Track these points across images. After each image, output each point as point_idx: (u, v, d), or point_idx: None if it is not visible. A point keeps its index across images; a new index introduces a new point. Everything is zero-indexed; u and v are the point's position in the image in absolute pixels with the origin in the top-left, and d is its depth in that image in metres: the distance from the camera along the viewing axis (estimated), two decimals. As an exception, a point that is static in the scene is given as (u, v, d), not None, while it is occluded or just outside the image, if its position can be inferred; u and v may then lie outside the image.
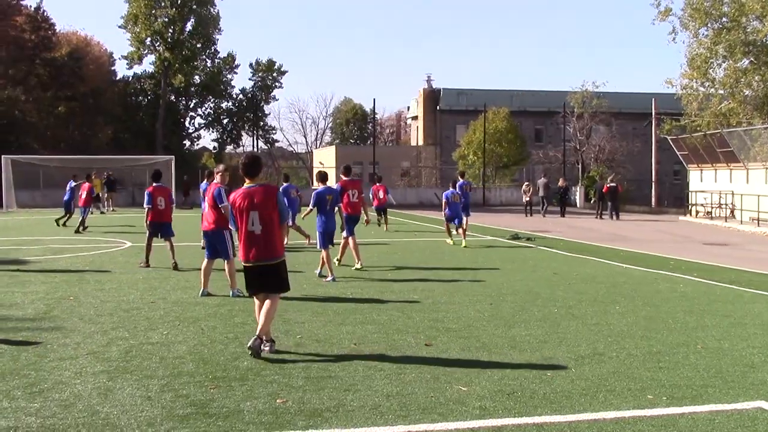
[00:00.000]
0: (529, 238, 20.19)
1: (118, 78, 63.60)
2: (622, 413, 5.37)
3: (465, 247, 17.82)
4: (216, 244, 10.70)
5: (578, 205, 44.26)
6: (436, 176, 57.35)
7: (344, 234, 13.41)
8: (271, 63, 68.91)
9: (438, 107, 64.87)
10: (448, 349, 7.26)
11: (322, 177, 12.91)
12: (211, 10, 59.93)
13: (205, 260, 10.68)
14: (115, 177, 39.06)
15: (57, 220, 24.31)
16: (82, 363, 6.68)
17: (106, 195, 36.58)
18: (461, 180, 21.90)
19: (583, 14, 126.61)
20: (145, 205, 13.75)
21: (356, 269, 13.16)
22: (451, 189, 19.18)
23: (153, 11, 57.20)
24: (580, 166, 49.85)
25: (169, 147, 56.35)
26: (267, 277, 7.22)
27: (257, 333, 6.94)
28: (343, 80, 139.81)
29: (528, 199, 33.98)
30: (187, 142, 68.54)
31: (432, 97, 65.68)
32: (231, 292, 10.41)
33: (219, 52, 64.60)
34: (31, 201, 39.04)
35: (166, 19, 57.86)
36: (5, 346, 7.35)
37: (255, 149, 51.98)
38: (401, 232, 22.61)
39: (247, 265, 7.21)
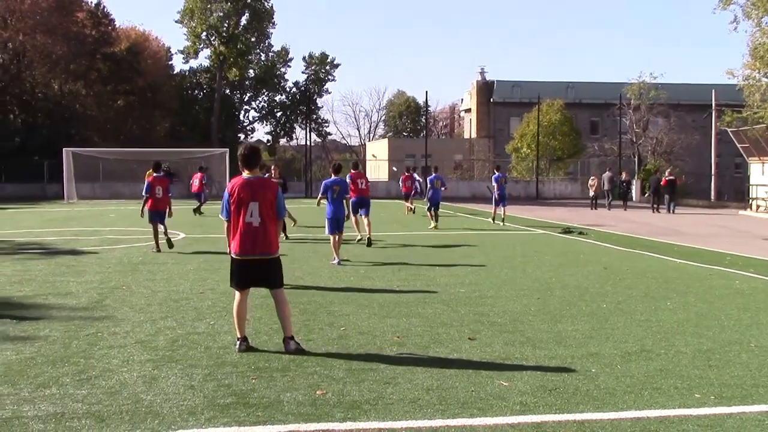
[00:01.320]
0: (582, 231, 19.89)
1: (175, 72, 64.82)
2: (668, 412, 5.25)
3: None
4: None
5: (634, 198, 43.43)
6: (489, 169, 56.90)
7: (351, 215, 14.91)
8: (324, 56, 69.37)
9: (491, 99, 64.42)
10: (492, 344, 7.19)
11: (336, 168, 13.97)
12: (265, 4, 60.55)
13: None
14: (173, 169, 39.76)
15: (195, 210, 26.54)
16: (130, 351, 6.82)
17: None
18: (497, 173, 23.63)
19: (641, 3, 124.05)
20: (143, 193, 15.00)
21: (358, 240, 16.28)
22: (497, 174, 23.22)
23: (209, 6, 58.04)
24: (636, 159, 48.92)
25: (224, 140, 57.26)
26: (266, 272, 6.95)
27: (285, 335, 6.89)
28: (396, 73, 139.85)
29: (594, 193, 33.65)
30: (242, 135, 69.47)
31: (485, 89, 65.25)
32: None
33: (273, 46, 65.39)
34: (91, 193, 40.07)
35: (221, 14, 58.67)
36: (58, 333, 7.55)
37: (308, 142, 52.29)
38: (452, 226, 22.50)
39: (241, 258, 6.89)
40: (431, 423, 5.00)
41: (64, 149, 39.05)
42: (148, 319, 8.26)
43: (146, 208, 15.01)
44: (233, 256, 6.96)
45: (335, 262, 12.99)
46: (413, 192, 28.78)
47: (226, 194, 7.00)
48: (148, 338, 7.35)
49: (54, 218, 25.73)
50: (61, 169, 39.00)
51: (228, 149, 42.16)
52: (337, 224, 13.34)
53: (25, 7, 48.43)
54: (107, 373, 6.11)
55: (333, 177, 13.77)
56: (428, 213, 21.83)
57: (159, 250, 14.68)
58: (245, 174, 6.99)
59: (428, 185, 22.50)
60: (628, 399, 5.54)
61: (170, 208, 15.44)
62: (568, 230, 20.23)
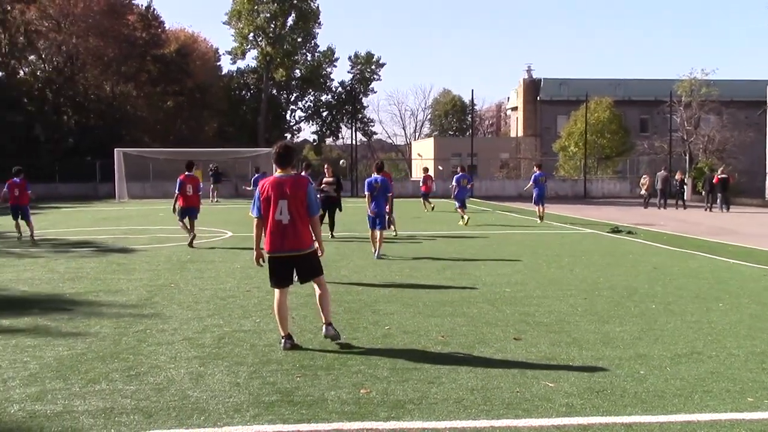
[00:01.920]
0: (631, 231, 19.55)
1: (223, 73, 65.60)
2: (719, 416, 5.12)
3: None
4: None
5: (686, 197, 42.56)
6: (544, 168, 56.43)
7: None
8: (369, 55, 69.49)
9: (538, 97, 63.79)
10: (538, 344, 7.11)
11: (379, 167, 14.62)
12: (311, 4, 60.90)
13: None
14: (221, 169, 40.28)
15: None
16: (178, 348, 6.91)
17: (211, 186, 37.79)
18: (537, 171, 23.97)
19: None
20: (176, 191, 15.86)
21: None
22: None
23: (255, 7, 58.61)
24: (687, 158, 47.92)
25: (271, 140, 57.63)
26: (299, 267, 7.05)
27: (324, 321, 7.08)
28: (442, 72, 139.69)
29: (646, 192, 33.14)
30: (288, 135, 70.00)
31: (532, 87, 64.63)
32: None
33: (319, 46, 65.66)
34: (141, 192, 40.81)
35: (268, 15, 59.18)
36: (108, 330, 7.71)
37: (354, 141, 52.45)
38: (498, 225, 22.35)
39: (274, 255, 7.02)
40: (475, 423, 4.96)
41: (115, 149, 39.86)
42: (195, 317, 8.37)
43: (178, 205, 15.87)
44: (268, 253, 7.08)
45: (375, 255, 13.84)
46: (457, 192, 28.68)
47: (257, 192, 7.12)
48: (196, 335, 7.44)
49: (105, 217, 26.28)
50: (112, 169, 39.83)
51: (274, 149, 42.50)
52: (379, 220, 14.01)
53: (78, 11, 49.53)
54: (155, 369, 6.21)
55: (375, 175, 14.40)
56: (459, 210, 22.35)
57: (191, 243, 15.58)
58: (278, 172, 7.08)
59: (454, 184, 23.00)
60: (677, 402, 5.42)
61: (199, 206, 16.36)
62: (616, 230, 19.91)
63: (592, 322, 8.15)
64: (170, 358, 6.55)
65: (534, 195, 23.35)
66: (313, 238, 7.10)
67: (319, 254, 7.19)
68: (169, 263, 13.07)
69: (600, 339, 7.33)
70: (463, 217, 21.90)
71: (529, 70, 66.48)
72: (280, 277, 7.06)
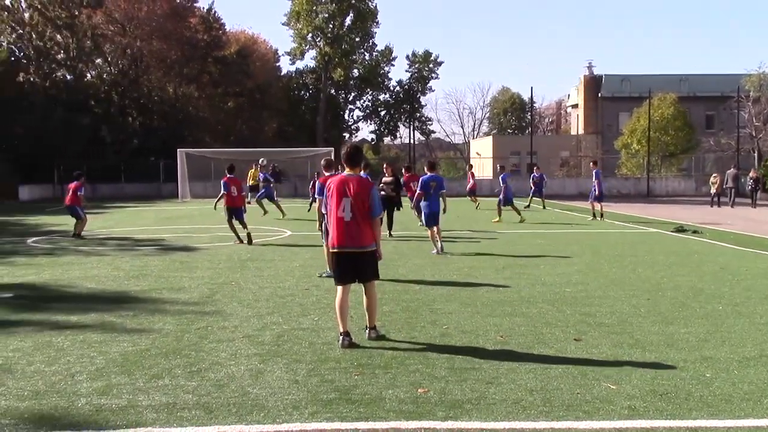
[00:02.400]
0: (696, 230, 19.04)
1: (282, 73, 66.29)
2: (790, 421, 4.94)
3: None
4: None
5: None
6: (600, 165, 55.44)
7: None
8: (427, 54, 69.35)
9: (600, 94, 62.72)
10: (599, 345, 6.98)
11: (431, 165, 14.98)
12: (369, 4, 61.07)
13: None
14: (280, 168, 40.73)
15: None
16: (238, 345, 7.01)
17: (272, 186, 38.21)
18: (596, 168, 23.99)
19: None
20: (222, 191, 16.42)
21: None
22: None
23: (314, 8, 59.05)
24: (756, 155, 46.43)
25: (329, 139, 58.11)
26: (358, 265, 7.13)
27: (368, 324, 7.26)
28: (500, 69, 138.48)
29: (716, 190, 32.32)
30: (346, 134, 70.33)
31: (593, 84, 63.59)
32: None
33: (377, 45, 65.76)
34: (203, 191, 41.53)
35: (327, 15, 59.55)
36: (171, 326, 7.86)
37: (411, 140, 52.45)
38: (558, 224, 22.05)
39: (335, 251, 7.20)
40: (535, 425, 4.90)
41: (178, 150, 40.68)
42: (255, 315, 8.47)
43: (222, 205, 16.56)
44: (332, 249, 7.27)
45: (434, 251, 14.14)
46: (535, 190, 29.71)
47: (325, 190, 7.42)
48: (255, 333, 7.54)
49: (169, 216, 26.86)
50: (175, 169, 40.67)
51: (333, 148, 42.82)
52: (433, 218, 14.33)
53: (143, 15, 50.73)
54: (216, 366, 6.31)
55: (429, 173, 14.60)
56: (512, 208, 22.70)
57: (241, 242, 16.06)
58: (345, 172, 7.30)
59: (502, 183, 23.12)
60: (745, 406, 5.26)
61: (244, 205, 17.08)
62: (681, 229, 19.43)
63: (656, 323, 7.97)
64: (231, 355, 6.65)
65: (595, 192, 23.27)
66: (374, 238, 7.21)
67: (377, 257, 7.29)
68: (229, 262, 13.27)
69: (664, 340, 7.16)
70: (517, 215, 22.31)
71: (590, 67, 65.48)
72: (342, 273, 7.18)
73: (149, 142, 48.63)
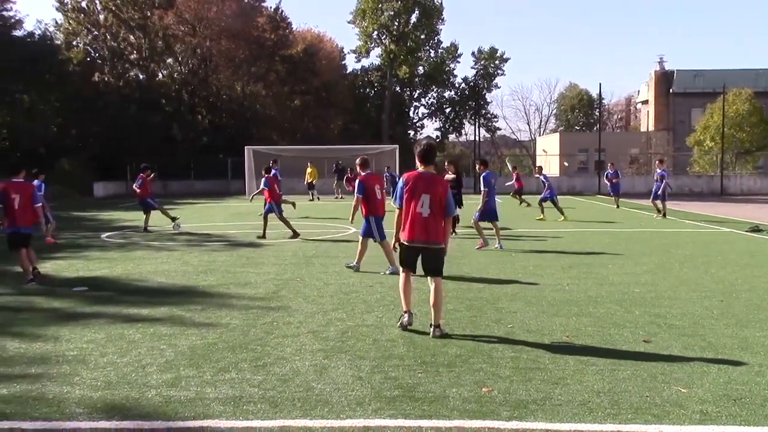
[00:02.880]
0: (772, 230, 18.38)
1: (347, 71, 66.70)
2: None
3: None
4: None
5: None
6: (667, 164, 54.00)
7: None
8: (493, 50, 68.84)
9: (671, 90, 61.15)
10: (669, 347, 6.80)
11: (484, 162, 15.68)
12: (435, 1, 60.87)
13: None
14: (343, 166, 40.99)
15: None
16: (303, 341, 7.08)
17: (335, 183, 38.57)
18: (662, 168, 23.86)
19: None
20: (262, 186, 17.42)
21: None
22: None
23: (380, 5, 59.25)
24: (838, 152, 44.60)
25: (394, 136, 58.18)
26: (426, 259, 7.41)
27: (433, 322, 7.30)
28: (568, 65, 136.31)
29: None
30: (411, 132, 70.33)
31: (664, 79, 62.02)
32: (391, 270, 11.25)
33: (442, 42, 65.68)
34: (270, 189, 42.03)
35: (392, 13, 59.68)
36: (238, 321, 8.00)
37: (476, 137, 52.13)
38: (625, 221, 21.59)
39: (410, 245, 7.41)
40: (602, 427, 4.80)
41: (245, 147, 41.37)
42: (320, 311, 8.55)
43: (262, 198, 17.60)
44: (403, 242, 7.48)
45: (498, 246, 14.59)
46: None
47: (400, 183, 7.57)
48: (320, 329, 7.60)
49: (236, 212, 27.35)
50: (243, 166, 41.37)
51: (398, 146, 42.86)
52: (494, 213, 14.82)
53: (212, 15, 51.73)
54: (281, 360, 6.38)
55: (486, 170, 15.13)
56: (553, 205, 23.21)
57: (297, 235, 16.80)
58: (421, 168, 7.51)
59: (545, 182, 23.65)
60: (825, 414, 5.04)
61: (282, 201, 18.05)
62: (756, 228, 18.78)
63: (729, 325, 7.72)
64: (295, 350, 6.72)
65: (659, 191, 23.02)
66: (445, 236, 7.45)
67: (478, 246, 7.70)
68: (295, 258, 13.42)
69: (738, 344, 6.92)
70: (542, 213, 23.12)
71: (661, 62, 63.91)
72: (409, 262, 7.55)
73: (218, 140, 49.59)
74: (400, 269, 7.64)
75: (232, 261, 13.01)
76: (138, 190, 19.39)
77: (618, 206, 28.46)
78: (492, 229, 15.13)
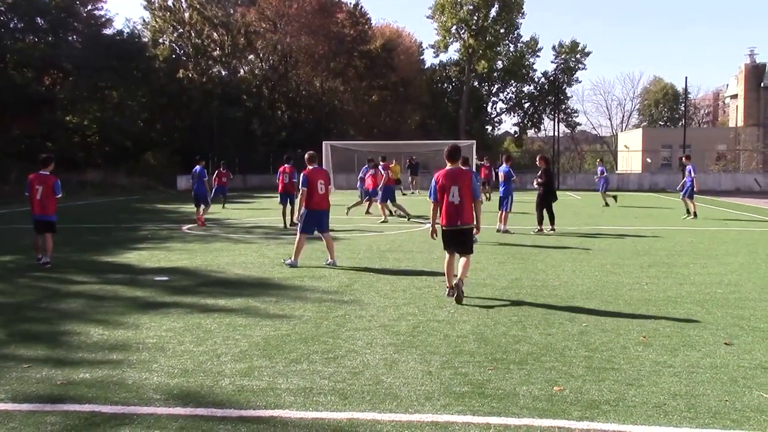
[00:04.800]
0: None
1: (425, 66, 66.62)
2: None
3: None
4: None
5: None
6: (756, 160, 51.98)
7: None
8: (574, 44, 67.60)
9: (762, 84, 58.70)
10: (752, 350, 6.54)
11: (508, 158, 17.75)
12: (515, -6, 60.13)
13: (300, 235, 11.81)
14: (418, 161, 41.01)
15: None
16: (374, 335, 7.12)
17: (410, 178, 38.61)
18: (689, 164, 22.50)
19: None
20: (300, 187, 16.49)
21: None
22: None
23: (459, 0, 58.86)
24: None
25: (471, 132, 57.87)
26: (459, 239, 8.92)
27: (457, 279, 8.59)
28: (652, 58, 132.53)
29: None
30: (489, 127, 69.77)
31: (755, 73, 59.60)
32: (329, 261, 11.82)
33: (522, 36, 64.96)
34: (347, 183, 42.52)
35: (471, 7, 59.29)
36: (311, 314, 8.10)
37: (556, 133, 51.29)
38: (710, 220, 20.87)
39: (447, 228, 8.92)
40: (677, 431, 4.66)
41: (323, 142, 41.85)
42: (391, 305, 8.57)
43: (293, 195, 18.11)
44: (442, 227, 8.97)
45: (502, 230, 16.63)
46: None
47: (433, 182, 9.06)
48: (391, 323, 7.63)
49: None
50: (321, 160, 41.85)
51: (475, 141, 42.58)
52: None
53: (293, 11, 52.51)
54: (352, 353, 6.44)
55: (506, 165, 17.17)
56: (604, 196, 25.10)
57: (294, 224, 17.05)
58: (449, 165, 9.04)
59: (599, 174, 25.06)
60: None
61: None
62: None
63: (819, 329, 7.37)
64: (366, 344, 6.76)
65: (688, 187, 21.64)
66: (475, 217, 8.97)
67: (475, 232, 9.12)
68: (369, 252, 13.51)
69: (827, 349, 6.61)
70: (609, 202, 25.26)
71: (751, 54, 61.46)
72: (448, 243, 9.03)
73: (296, 135, 50.34)
74: (446, 252, 9.05)
75: (307, 254, 13.14)
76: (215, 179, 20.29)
77: (606, 203, 26.98)
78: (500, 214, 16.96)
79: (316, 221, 11.79)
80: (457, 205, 8.79)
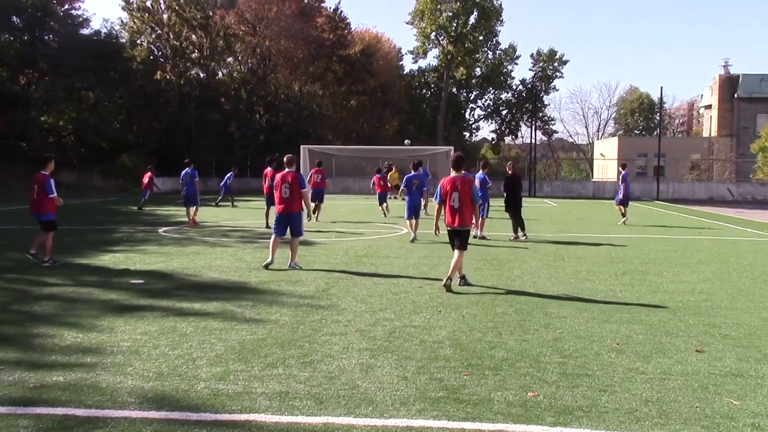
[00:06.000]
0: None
1: (404, 72, 66.77)
2: None
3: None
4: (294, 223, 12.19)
5: None
6: (730, 170, 52.66)
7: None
8: (552, 53, 68.10)
9: (736, 95, 59.49)
10: (723, 358, 6.64)
11: (416, 165, 18.17)
12: (494, 2, 60.51)
13: (274, 236, 12.14)
14: (392, 165, 40.96)
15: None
16: (350, 339, 7.13)
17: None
18: (624, 172, 22.47)
19: None
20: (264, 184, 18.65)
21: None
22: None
23: (438, 6, 59.17)
24: None
25: (449, 138, 58.06)
26: (457, 238, 10.19)
27: (449, 275, 10.00)
28: (628, 68, 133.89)
29: None
30: (467, 134, 70.04)
31: (729, 84, 60.33)
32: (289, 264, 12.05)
33: (500, 44, 65.29)
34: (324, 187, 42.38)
35: (450, 14, 59.54)
36: (287, 318, 8.09)
37: (533, 140, 51.62)
38: (683, 228, 21.13)
39: (449, 229, 10.28)
40: (648, 437, 4.72)
41: (301, 146, 41.72)
42: (368, 310, 8.59)
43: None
44: (446, 227, 10.31)
45: (412, 239, 16.36)
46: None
47: (439, 186, 10.32)
48: (368, 328, 7.64)
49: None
50: (299, 164, 41.76)
51: (453, 147, 42.70)
52: (414, 211, 16.91)
53: (272, 15, 52.44)
54: (328, 358, 6.44)
55: (413, 172, 17.75)
56: (620, 207, 22.90)
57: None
58: (453, 173, 10.22)
59: (621, 183, 22.71)
60: None
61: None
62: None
63: (788, 338, 7.49)
64: (343, 349, 6.77)
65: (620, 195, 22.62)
66: (472, 219, 10.29)
67: (473, 231, 10.37)
68: (346, 257, 13.51)
69: (795, 357, 6.72)
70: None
71: (726, 66, 62.22)
72: (451, 242, 10.36)
73: (274, 138, 50.22)
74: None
75: (284, 259, 13.12)
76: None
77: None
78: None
79: (283, 224, 12.11)
80: (456, 208, 10.03)
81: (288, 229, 12.14)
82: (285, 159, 12.55)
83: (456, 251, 10.15)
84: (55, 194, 12.32)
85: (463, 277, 10.37)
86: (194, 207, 20.13)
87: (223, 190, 31.16)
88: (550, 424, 4.91)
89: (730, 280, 11.35)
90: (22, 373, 5.91)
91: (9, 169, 36.92)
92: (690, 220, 25.29)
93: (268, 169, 18.84)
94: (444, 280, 9.99)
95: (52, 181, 12.30)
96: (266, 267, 11.82)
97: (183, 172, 20.96)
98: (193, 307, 8.68)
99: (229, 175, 31.00)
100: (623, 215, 22.72)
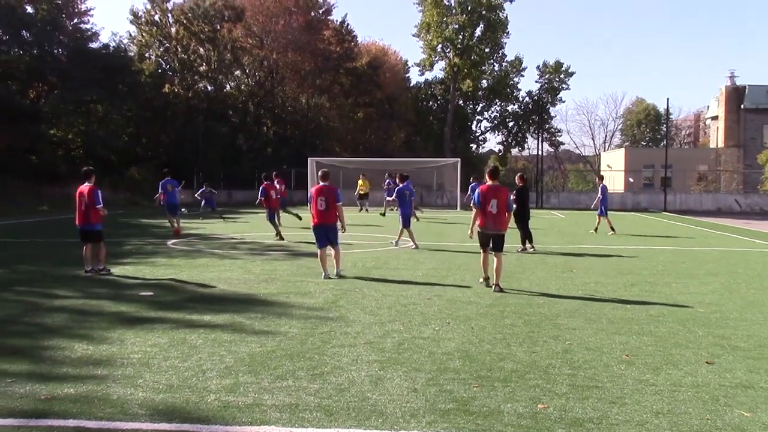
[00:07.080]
0: None
1: (411, 84, 66.94)
2: None
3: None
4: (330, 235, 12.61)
5: None
6: (737, 181, 52.53)
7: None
8: (558, 64, 68.14)
9: (742, 106, 59.44)
10: (733, 369, 6.63)
11: (403, 178, 18.62)
12: (500, 14, 60.64)
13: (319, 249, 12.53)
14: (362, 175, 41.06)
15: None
16: (359, 351, 7.14)
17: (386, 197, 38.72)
18: (602, 184, 22.92)
19: None
20: (260, 196, 20.66)
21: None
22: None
23: (445, 19, 59.34)
24: None
25: (456, 149, 58.12)
26: (495, 241, 11.21)
27: (494, 282, 11.10)
28: (635, 79, 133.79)
29: None
30: (473, 146, 70.06)
31: (736, 95, 60.32)
32: (336, 272, 12.47)
33: (506, 56, 65.34)
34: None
35: (457, 26, 59.70)
36: (296, 330, 8.11)
37: (539, 152, 51.63)
38: (692, 239, 21.07)
39: (483, 231, 11.20)
40: (659, 449, 4.71)
41: (309, 158, 41.87)
42: (377, 322, 8.60)
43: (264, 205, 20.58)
44: (479, 229, 11.26)
45: (412, 246, 17.36)
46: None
47: (477, 192, 11.31)
48: (377, 340, 7.65)
49: (298, 223, 27.60)
50: (306, 177, 41.86)
51: (459, 159, 42.77)
52: (408, 220, 17.90)
53: (279, 28, 52.70)
54: (338, 370, 6.45)
55: (401, 185, 18.22)
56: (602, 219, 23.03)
57: (281, 238, 19.47)
58: (489, 182, 11.30)
59: (600, 194, 23.00)
60: None
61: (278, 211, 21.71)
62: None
63: (798, 349, 7.46)
64: (352, 360, 6.78)
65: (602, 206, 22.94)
66: (507, 225, 11.31)
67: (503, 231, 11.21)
68: (354, 269, 13.52)
69: (806, 368, 6.70)
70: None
71: (732, 77, 62.24)
72: (484, 243, 11.31)
73: (282, 151, 50.36)
74: (481, 251, 11.44)
75: (293, 270, 13.18)
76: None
77: (612, 228, 23.35)
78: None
79: (322, 235, 12.59)
80: (494, 214, 11.07)
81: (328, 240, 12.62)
82: (320, 173, 13.25)
83: (495, 257, 11.14)
84: (102, 205, 12.51)
85: (491, 282, 11.30)
86: (176, 217, 21.32)
87: (203, 202, 32.29)
88: (560, 436, 4.90)
89: (739, 292, 11.32)
90: (34, 385, 5.94)
91: (18, 182, 37.09)
92: (698, 231, 25.22)
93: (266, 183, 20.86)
94: (493, 288, 11.02)
95: (100, 192, 12.52)
96: (326, 278, 12.23)
97: (164, 181, 21.95)
98: (202, 319, 8.71)
99: (203, 189, 32.69)
100: (611, 228, 22.93)
